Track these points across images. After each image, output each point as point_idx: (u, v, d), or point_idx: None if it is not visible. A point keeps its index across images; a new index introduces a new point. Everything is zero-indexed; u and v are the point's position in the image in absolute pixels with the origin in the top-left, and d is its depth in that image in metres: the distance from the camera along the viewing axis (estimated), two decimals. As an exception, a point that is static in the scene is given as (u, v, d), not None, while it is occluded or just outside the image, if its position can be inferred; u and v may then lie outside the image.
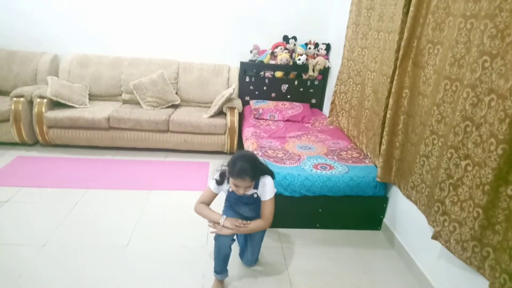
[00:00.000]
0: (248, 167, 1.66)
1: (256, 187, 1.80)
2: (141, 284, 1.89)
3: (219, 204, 2.03)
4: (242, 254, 2.07)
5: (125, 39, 3.97)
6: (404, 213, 2.26)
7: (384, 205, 2.48)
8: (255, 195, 1.83)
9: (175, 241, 2.26)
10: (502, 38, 1.40)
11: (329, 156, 2.68)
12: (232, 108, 3.47)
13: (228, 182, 1.78)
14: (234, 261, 2.07)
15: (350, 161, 2.62)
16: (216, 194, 1.89)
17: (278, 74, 4.03)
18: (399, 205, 2.32)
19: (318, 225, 2.49)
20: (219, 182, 1.83)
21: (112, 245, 2.17)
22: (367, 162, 2.61)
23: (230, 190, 1.82)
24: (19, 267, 1.94)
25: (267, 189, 1.80)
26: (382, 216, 2.52)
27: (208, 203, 1.87)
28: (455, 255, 1.63)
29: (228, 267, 1.90)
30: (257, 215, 1.87)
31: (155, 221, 2.45)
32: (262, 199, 1.82)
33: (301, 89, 4.11)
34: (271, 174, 1.86)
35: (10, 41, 3.80)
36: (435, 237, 1.77)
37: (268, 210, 1.81)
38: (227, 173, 1.75)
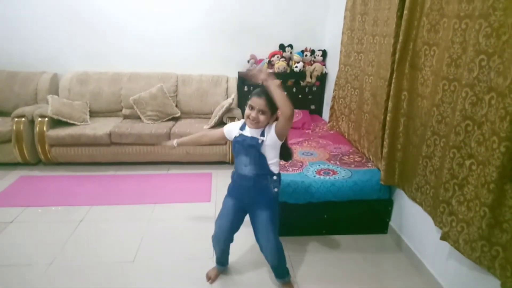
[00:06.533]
0: (268, 95, 1.61)
1: (262, 134, 1.71)
2: (150, 300, 1.88)
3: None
4: (260, 247, 1.89)
5: (123, 55, 4.01)
6: (410, 215, 2.25)
7: (390, 208, 2.47)
8: (260, 141, 1.70)
9: (181, 254, 2.25)
10: (498, 37, 1.41)
11: (332, 161, 2.68)
12: (232, 118, 3.48)
13: (243, 127, 1.77)
14: (244, 269, 2.08)
15: (353, 166, 2.61)
16: (224, 137, 1.92)
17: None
18: (405, 208, 2.31)
19: (324, 231, 2.48)
20: (242, 127, 1.77)
21: (118, 261, 2.16)
22: (370, 165, 2.61)
23: (238, 134, 1.77)
24: (26, 287, 1.92)
25: (273, 126, 1.71)
26: (388, 219, 2.50)
27: (210, 135, 1.92)
28: (465, 255, 1.62)
29: (238, 276, 1.94)
30: (255, 173, 1.74)
31: (160, 235, 2.44)
32: (272, 131, 1.69)
33: (300, 96, 4.13)
34: None
35: (10, 62, 3.84)
36: (443, 238, 1.76)
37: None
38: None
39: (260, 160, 1.73)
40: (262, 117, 1.67)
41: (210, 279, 2.01)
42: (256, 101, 1.65)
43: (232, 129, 1.86)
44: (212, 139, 2.05)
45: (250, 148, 1.72)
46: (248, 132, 1.74)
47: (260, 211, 1.78)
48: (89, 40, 3.90)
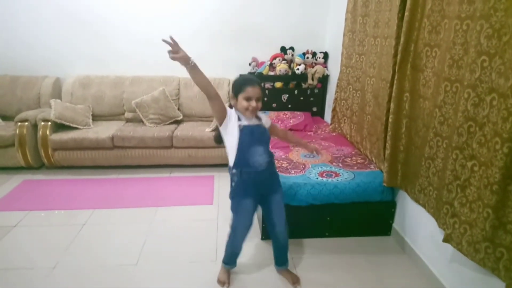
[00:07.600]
0: (259, 81, 1.76)
1: (258, 120, 1.84)
2: (153, 303, 1.88)
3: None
4: (270, 231, 1.98)
5: (125, 58, 4.02)
6: (413, 217, 2.25)
7: (393, 210, 2.47)
8: (266, 125, 1.86)
9: (184, 257, 2.25)
10: (499, 38, 1.41)
11: (334, 163, 2.68)
12: (234, 121, 3.49)
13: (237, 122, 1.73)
14: (246, 272, 2.07)
15: (355, 167, 2.61)
16: (225, 110, 1.71)
17: (278, 84, 4.06)
18: (408, 209, 2.30)
19: (327, 233, 2.47)
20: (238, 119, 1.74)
21: (121, 264, 2.16)
22: (372, 167, 2.60)
23: (241, 126, 1.71)
24: (29, 291, 1.93)
25: (266, 117, 1.91)
26: (391, 221, 2.50)
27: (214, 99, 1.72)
28: (468, 257, 1.61)
29: (240, 281, 1.91)
30: (268, 161, 1.80)
31: (163, 238, 2.44)
32: (269, 124, 1.90)
33: (302, 98, 4.13)
34: None
35: (12, 66, 3.86)
36: (446, 240, 1.75)
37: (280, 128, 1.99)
38: (235, 94, 1.74)
39: (268, 145, 1.86)
40: (259, 104, 1.74)
41: (225, 283, 1.97)
42: (253, 91, 1.70)
43: (231, 117, 1.73)
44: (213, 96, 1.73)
45: (262, 135, 1.80)
46: (247, 122, 1.76)
47: (274, 194, 1.90)
48: (91, 44, 3.92)
